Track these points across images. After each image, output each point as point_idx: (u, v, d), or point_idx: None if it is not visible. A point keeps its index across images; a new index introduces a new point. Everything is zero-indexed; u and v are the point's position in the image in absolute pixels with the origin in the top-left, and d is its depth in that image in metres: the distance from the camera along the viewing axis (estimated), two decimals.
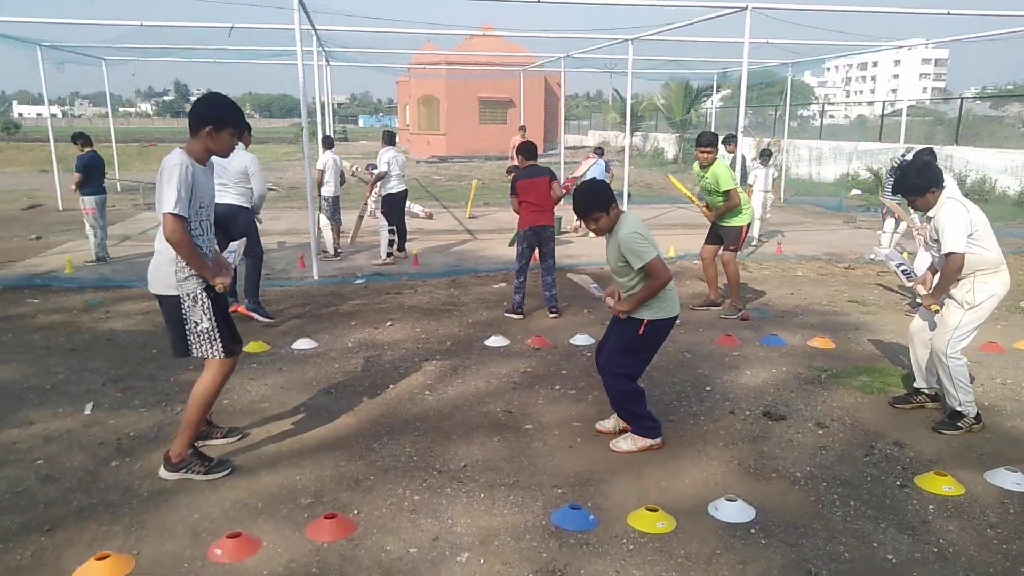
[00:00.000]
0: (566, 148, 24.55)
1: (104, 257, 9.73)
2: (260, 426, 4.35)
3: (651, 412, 4.11)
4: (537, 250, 6.95)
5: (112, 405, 4.67)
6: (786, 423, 4.43)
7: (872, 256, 9.94)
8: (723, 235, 6.97)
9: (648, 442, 4.04)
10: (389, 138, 10.27)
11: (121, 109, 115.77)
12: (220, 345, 3.61)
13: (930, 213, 4.26)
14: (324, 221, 10.07)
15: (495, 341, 6.06)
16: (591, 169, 11.90)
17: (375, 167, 10.07)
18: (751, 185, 10.75)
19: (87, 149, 9.63)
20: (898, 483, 3.69)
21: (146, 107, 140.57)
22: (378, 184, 9.85)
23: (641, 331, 3.88)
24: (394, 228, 9.88)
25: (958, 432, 4.24)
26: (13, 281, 8.32)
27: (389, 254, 9.76)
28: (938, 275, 4.36)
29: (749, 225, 7.07)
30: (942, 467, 3.81)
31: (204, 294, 3.52)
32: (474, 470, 3.80)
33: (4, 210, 14.95)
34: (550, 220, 6.85)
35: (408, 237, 10.24)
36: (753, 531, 3.24)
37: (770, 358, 5.70)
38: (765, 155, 11.30)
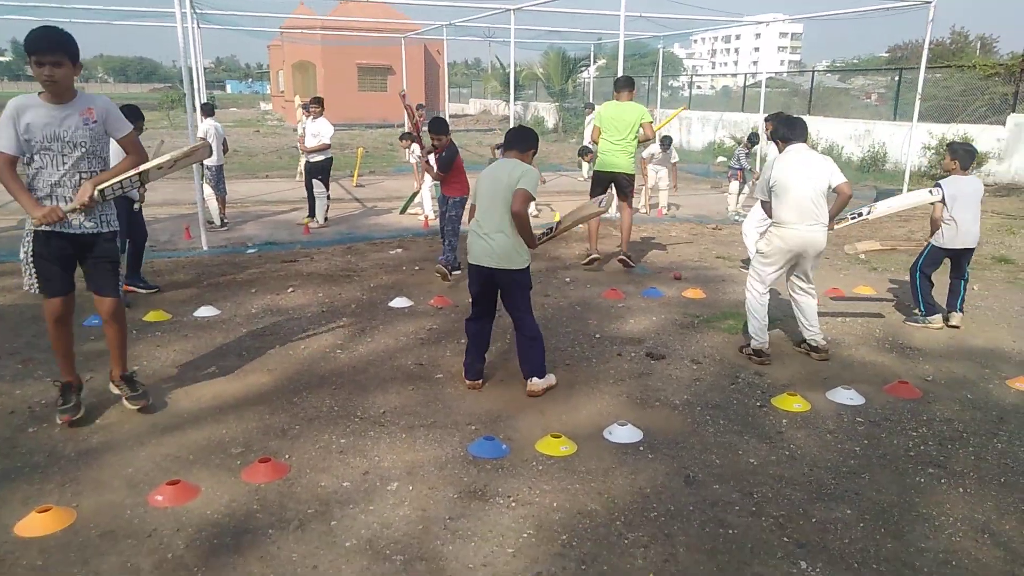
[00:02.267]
0: (453, 116, 24.72)
1: None
2: (177, 388, 4.46)
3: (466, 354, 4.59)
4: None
5: (14, 376, 4.61)
6: (666, 361, 5.03)
7: (736, 218, 10.92)
8: (619, 181, 7.62)
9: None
10: (321, 104, 10.25)
11: None
12: (36, 280, 3.78)
13: None
14: (208, 191, 9.88)
15: (399, 303, 6.34)
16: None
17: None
18: (645, 159, 11.37)
19: None
20: (758, 404, 4.35)
21: None
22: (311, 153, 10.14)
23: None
24: (329, 194, 10.41)
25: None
26: None
27: (326, 219, 10.33)
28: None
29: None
30: (793, 390, 4.50)
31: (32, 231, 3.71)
32: (393, 415, 4.13)
33: None
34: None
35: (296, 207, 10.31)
36: (641, 448, 3.78)
37: (650, 308, 6.32)
38: (666, 141, 11.45)
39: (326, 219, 10.31)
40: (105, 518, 3.09)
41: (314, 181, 10.18)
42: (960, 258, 5.79)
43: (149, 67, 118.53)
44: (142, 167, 3.90)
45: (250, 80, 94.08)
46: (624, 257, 7.66)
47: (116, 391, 4.22)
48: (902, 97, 18.49)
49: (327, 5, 30.63)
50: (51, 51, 3.52)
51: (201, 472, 3.47)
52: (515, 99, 16.56)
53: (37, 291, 3.78)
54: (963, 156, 5.70)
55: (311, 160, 10.18)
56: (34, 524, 2.99)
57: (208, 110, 10.63)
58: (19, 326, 5.64)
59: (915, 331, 5.78)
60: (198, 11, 15.11)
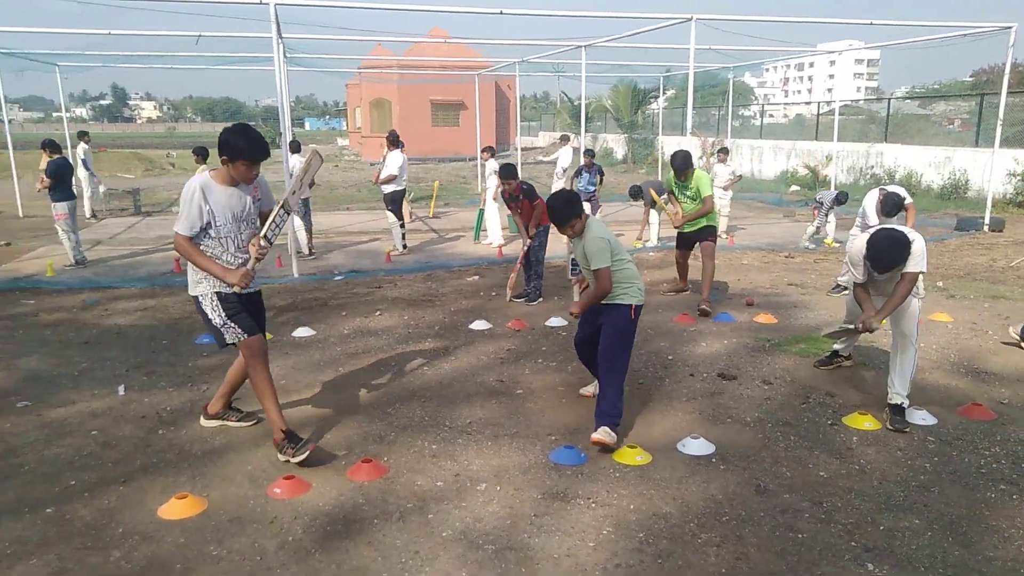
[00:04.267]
0: (523, 149, 25.35)
1: (82, 260, 10.03)
2: (283, 399, 4.86)
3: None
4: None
5: (142, 387, 5.17)
6: (737, 382, 5.21)
7: (806, 246, 10.94)
8: (701, 236, 7.53)
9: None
10: (397, 140, 11.02)
11: (54, 114, 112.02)
12: (238, 330, 3.93)
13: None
14: (297, 222, 10.59)
15: (479, 325, 6.71)
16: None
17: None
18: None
19: (55, 156, 9.89)
20: (829, 423, 4.49)
21: (81, 112, 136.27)
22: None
23: (633, 315, 4.27)
24: (403, 222, 11.05)
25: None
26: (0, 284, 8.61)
27: (405, 246, 10.92)
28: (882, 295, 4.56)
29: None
30: (864, 410, 4.61)
31: (214, 295, 3.90)
32: (479, 425, 4.46)
33: None
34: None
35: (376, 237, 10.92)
36: (713, 460, 3.98)
37: (722, 332, 6.49)
38: (723, 151, 12.12)
39: (405, 246, 10.86)
40: (232, 506, 3.51)
41: (387, 211, 10.83)
42: None
43: (234, 107, 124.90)
44: (282, 201, 4.04)
45: (327, 117, 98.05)
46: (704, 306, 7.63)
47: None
48: (985, 123, 18.01)
49: (403, 45, 31.85)
50: (266, 158, 3.87)
51: (310, 471, 3.86)
52: (585, 131, 16.95)
53: (243, 338, 3.93)
54: None
55: (383, 191, 10.85)
56: (175, 509, 3.43)
57: (295, 147, 11.41)
58: (139, 343, 6.26)
59: (991, 356, 5.77)
60: (289, 55, 16.20)
